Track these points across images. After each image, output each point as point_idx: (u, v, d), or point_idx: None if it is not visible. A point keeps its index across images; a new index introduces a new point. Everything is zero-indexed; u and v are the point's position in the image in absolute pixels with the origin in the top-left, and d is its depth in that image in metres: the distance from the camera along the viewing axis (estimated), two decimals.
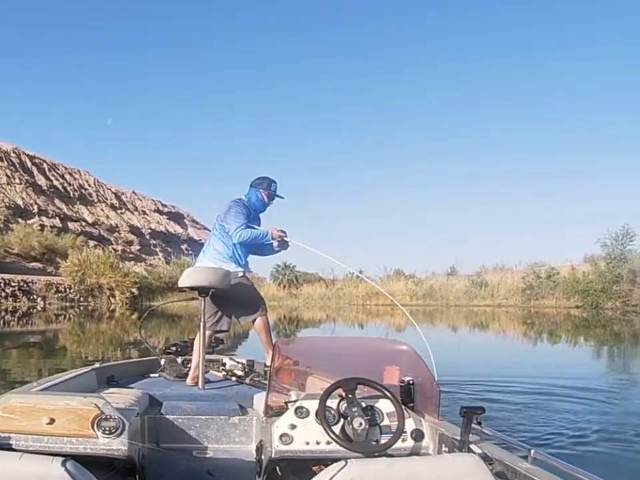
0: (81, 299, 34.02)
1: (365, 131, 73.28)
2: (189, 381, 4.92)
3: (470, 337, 19.62)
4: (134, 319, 25.83)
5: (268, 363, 4.82)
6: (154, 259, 48.77)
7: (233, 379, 5.06)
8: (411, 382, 3.10)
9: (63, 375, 4.32)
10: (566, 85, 66.14)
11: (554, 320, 25.51)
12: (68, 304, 32.46)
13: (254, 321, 5.21)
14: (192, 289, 5.04)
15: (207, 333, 5.09)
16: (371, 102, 72.10)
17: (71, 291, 33.98)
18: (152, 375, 5.25)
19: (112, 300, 34.64)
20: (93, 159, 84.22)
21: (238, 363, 5.35)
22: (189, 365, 5.15)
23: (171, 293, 38.21)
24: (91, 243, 41.69)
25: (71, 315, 26.98)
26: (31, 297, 32.17)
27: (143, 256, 47.96)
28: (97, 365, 4.86)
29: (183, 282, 4.97)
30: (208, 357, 5.06)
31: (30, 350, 14.39)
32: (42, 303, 31.92)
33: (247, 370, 5.16)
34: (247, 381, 4.93)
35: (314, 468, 2.79)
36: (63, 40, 67.36)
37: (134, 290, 35.07)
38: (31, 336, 18.15)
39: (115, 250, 42.53)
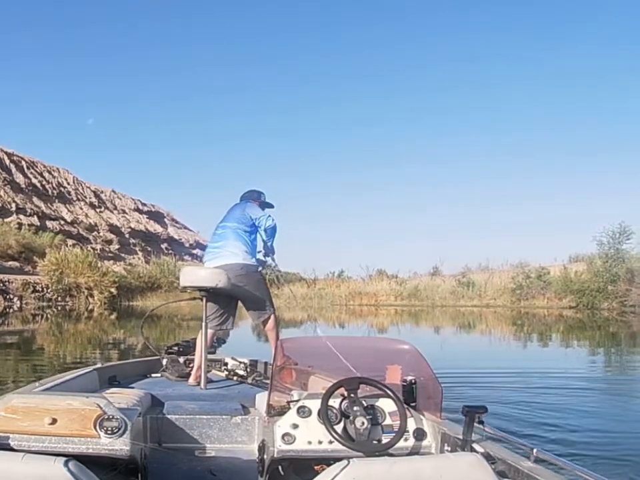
0: (59, 298, 33.53)
1: (348, 132, 73.31)
2: (191, 380, 4.95)
3: (466, 337, 19.54)
4: (113, 319, 25.65)
5: None
6: (133, 258, 48.35)
7: (235, 378, 5.09)
8: (413, 381, 3.10)
9: (65, 375, 4.31)
10: (553, 85, 66.59)
11: (544, 321, 25.16)
12: (45, 304, 31.97)
13: (265, 321, 5.23)
14: (192, 288, 5.04)
15: (210, 332, 5.11)
16: (356, 103, 72.02)
17: (49, 290, 33.49)
18: (154, 375, 5.28)
19: (90, 300, 34.25)
20: (72, 157, 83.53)
21: (240, 362, 5.38)
22: (190, 365, 5.17)
23: (151, 293, 38.07)
24: (70, 241, 41.22)
25: (49, 315, 26.61)
26: (7, 297, 31.63)
27: (123, 255, 47.54)
28: (99, 364, 4.87)
29: (183, 281, 4.97)
30: (210, 356, 5.10)
31: (6, 350, 14.16)
32: (18, 302, 31.40)
33: (248, 369, 5.18)
34: (249, 380, 4.96)
35: (316, 467, 2.79)
36: (45, 40, 66.68)
37: (113, 289, 34.70)
38: (7, 336, 17.88)
39: (93, 249, 42.11)
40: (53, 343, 16.09)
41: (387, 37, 65.22)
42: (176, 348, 5.59)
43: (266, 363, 5.31)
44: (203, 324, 4.93)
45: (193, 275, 5.02)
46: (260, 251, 5.54)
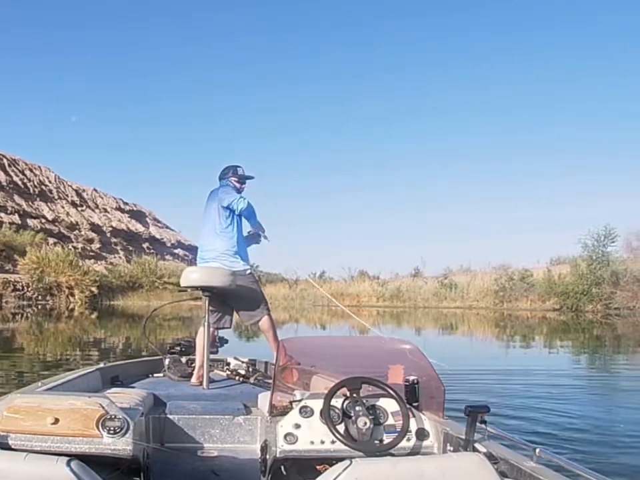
0: (39, 297, 33.37)
1: (329, 133, 73.39)
2: (193, 380, 4.94)
3: (451, 338, 19.53)
4: (93, 318, 25.47)
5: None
6: (115, 257, 48.01)
7: (237, 378, 5.08)
8: (415, 381, 3.09)
9: (68, 374, 4.32)
10: (539, 87, 67.19)
11: (528, 323, 25.17)
12: (25, 302, 31.80)
13: (258, 321, 5.20)
14: (195, 288, 5.03)
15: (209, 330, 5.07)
16: (342, 105, 72.24)
17: (29, 289, 33.28)
18: (156, 375, 5.28)
19: (71, 299, 34.14)
20: (54, 155, 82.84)
21: (242, 362, 5.37)
22: (193, 365, 5.15)
23: (132, 292, 37.90)
24: (51, 240, 40.84)
25: (29, 314, 26.41)
26: None
27: (104, 254, 47.18)
28: (102, 364, 4.86)
29: (185, 281, 4.94)
30: (212, 356, 5.08)
31: None
32: None
33: (251, 369, 5.18)
34: (251, 380, 4.96)
35: (318, 467, 2.79)
36: (29, 38, 66.10)
37: (94, 289, 34.71)
38: None
39: (75, 248, 41.74)
40: (33, 342, 15.94)
41: (380, 38, 65.45)
42: (178, 348, 5.54)
43: (268, 363, 5.33)
44: (205, 324, 4.91)
45: (196, 274, 4.98)
46: (250, 231, 5.50)
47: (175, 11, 67.79)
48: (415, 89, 69.58)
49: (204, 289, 4.90)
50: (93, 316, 26.58)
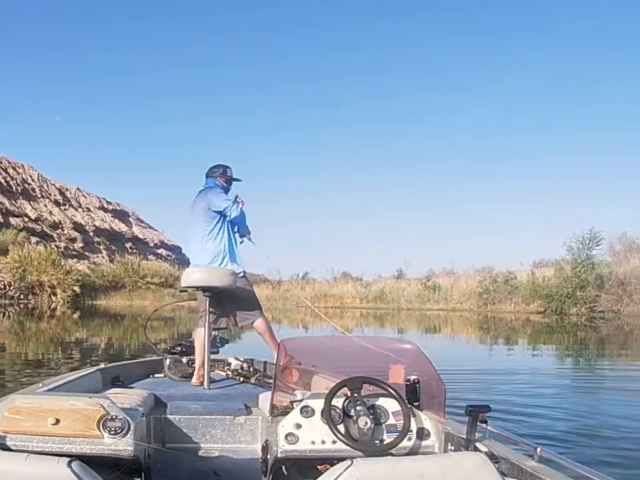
0: (21, 296, 33.12)
1: (313, 133, 73.41)
2: (194, 380, 4.94)
3: (437, 339, 19.55)
4: (75, 318, 25.32)
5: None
6: (97, 256, 47.68)
7: (238, 378, 5.09)
8: (416, 380, 3.11)
9: (69, 375, 4.31)
10: (527, 89, 67.52)
11: (512, 325, 25.14)
12: (7, 302, 31.55)
13: (253, 322, 5.21)
14: (195, 288, 5.02)
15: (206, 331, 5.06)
16: (324, 104, 72.11)
17: (11, 288, 33.01)
18: (157, 375, 5.28)
19: (53, 298, 33.94)
20: (37, 153, 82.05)
21: (243, 362, 5.37)
22: (193, 365, 5.15)
23: (115, 292, 37.71)
24: (33, 239, 40.43)
25: (10, 313, 26.22)
26: None
27: (87, 254, 46.81)
28: (102, 365, 4.84)
29: (186, 281, 4.92)
30: (212, 356, 5.08)
31: None
32: None
33: (251, 369, 5.18)
34: (252, 380, 4.97)
35: (320, 467, 2.78)
36: (15, 36, 65.53)
37: (76, 288, 34.55)
38: None
39: (57, 247, 41.36)
40: (14, 341, 15.86)
41: (380, 38, 65.54)
42: (179, 348, 5.54)
43: (267, 363, 5.34)
44: (206, 324, 4.91)
45: (197, 274, 4.98)
46: (236, 232, 5.50)
47: (173, 11, 67.37)
48: (414, 89, 69.65)
49: (205, 289, 4.90)
50: (75, 315, 26.46)
